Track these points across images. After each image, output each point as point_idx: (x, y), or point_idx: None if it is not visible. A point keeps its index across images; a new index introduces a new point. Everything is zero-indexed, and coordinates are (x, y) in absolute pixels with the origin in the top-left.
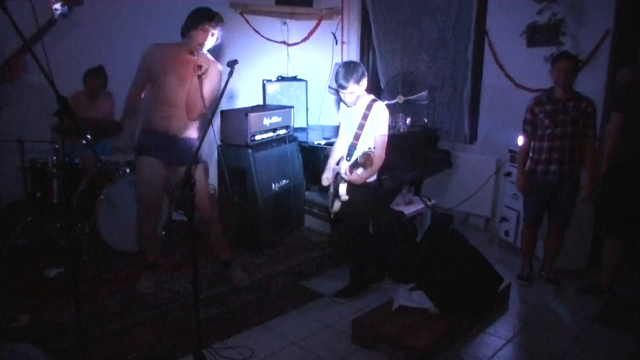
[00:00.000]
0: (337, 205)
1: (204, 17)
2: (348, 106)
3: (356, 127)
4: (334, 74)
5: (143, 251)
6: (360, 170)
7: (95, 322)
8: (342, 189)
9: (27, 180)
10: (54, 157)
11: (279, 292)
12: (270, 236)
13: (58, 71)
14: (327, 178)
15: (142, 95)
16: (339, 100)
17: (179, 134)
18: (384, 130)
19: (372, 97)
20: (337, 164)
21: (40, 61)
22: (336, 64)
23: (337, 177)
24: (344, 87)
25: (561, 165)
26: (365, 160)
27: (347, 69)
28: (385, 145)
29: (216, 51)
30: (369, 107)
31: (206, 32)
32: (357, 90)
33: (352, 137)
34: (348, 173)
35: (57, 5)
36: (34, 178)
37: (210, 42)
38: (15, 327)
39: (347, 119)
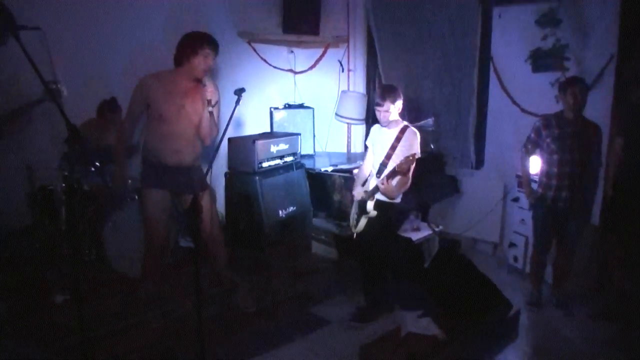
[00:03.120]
0: (362, 223)
1: (204, 42)
2: (382, 126)
3: (388, 148)
4: (374, 94)
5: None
6: (395, 180)
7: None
8: (370, 205)
9: (36, 206)
10: (63, 184)
11: (285, 318)
12: (276, 262)
13: (68, 100)
14: (358, 193)
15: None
16: (359, 123)
17: (188, 164)
18: (417, 151)
19: (405, 122)
20: (363, 185)
21: (52, 91)
22: (343, 91)
23: (365, 195)
24: (380, 105)
25: (572, 192)
26: (404, 167)
27: (385, 89)
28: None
29: (224, 79)
30: (403, 131)
31: (208, 57)
32: (392, 110)
33: (384, 157)
34: (385, 183)
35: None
36: (43, 204)
37: (209, 69)
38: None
39: (379, 140)
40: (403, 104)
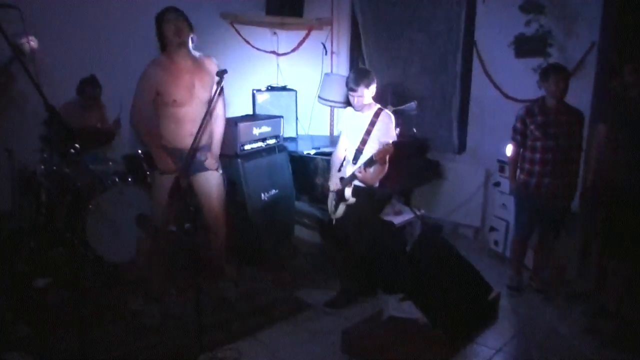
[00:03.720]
0: (341, 209)
1: (164, 11)
2: (356, 110)
3: (363, 133)
4: (346, 78)
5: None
6: (373, 168)
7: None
8: (348, 192)
9: (16, 190)
10: (42, 167)
11: (268, 302)
12: (259, 246)
13: (47, 81)
14: (335, 183)
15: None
16: (335, 107)
17: (204, 142)
18: (393, 137)
19: (379, 105)
20: (339, 170)
21: (29, 70)
22: (326, 74)
23: (342, 181)
24: (354, 90)
25: (554, 178)
26: (381, 155)
27: (358, 73)
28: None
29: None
30: (377, 115)
31: (171, 22)
32: (367, 95)
33: (359, 142)
34: (363, 171)
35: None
36: (22, 188)
37: (183, 33)
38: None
39: (353, 125)
40: (387, 87)
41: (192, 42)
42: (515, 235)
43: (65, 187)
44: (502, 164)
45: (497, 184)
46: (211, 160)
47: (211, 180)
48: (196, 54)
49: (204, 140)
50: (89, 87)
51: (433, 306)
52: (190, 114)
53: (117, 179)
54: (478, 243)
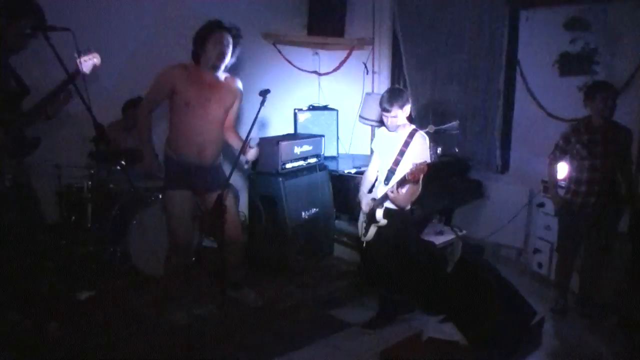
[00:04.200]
0: (372, 231)
1: (213, 27)
2: (390, 130)
3: (396, 153)
4: (380, 98)
5: (166, 281)
6: (405, 189)
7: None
8: (379, 213)
9: (63, 204)
10: (89, 182)
11: (306, 320)
12: (298, 264)
13: (95, 101)
14: (366, 204)
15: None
16: (375, 127)
17: (211, 161)
18: (427, 158)
19: (413, 126)
20: (370, 191)
21: (81, 90)
22: (367, 93)
23: (373, 203)
24: (387, 110)
25: (602, 198)
26: (415, 175)
27: (392, 94)
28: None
29: (249, 81)
30: (411, 135)
31: (220, 43)
32: (400, 115)
33: (392, 163)
34: (395, 191)
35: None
36: (70, 202)
37: (227, 54)
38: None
39: (386, 145)
40: (428, 106)
41: (225, 66)
42: (560, 257)
43: (110, 202)
44: (546, 184)
45: (541, 205)
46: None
47: (229, 195)
48: (224, 75)
49: (216, 157)
50: (132, 109)
51: (474, 328)
52: (201, 121)
53: (159, 195)
54: (520, 265)
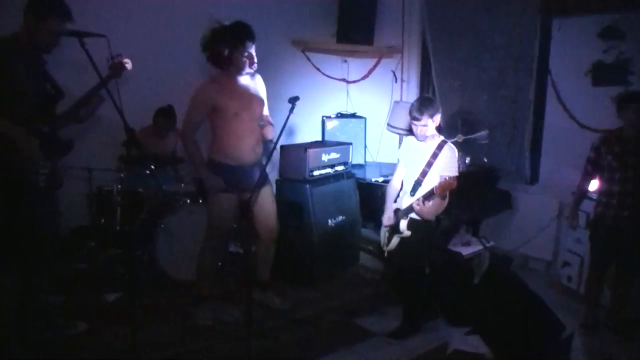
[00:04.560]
0: (394, 242)
1: (245, 37)
2: (418, 140)
3: (424, 164)
4: (410, 107)
5: (198, 283)
6: (432, 202)
7: (149, 348)
8: (403, 224)
9: (93, 206)
10: (119, 186)
11: (330, 329)
12: (324, 272)
13: (127, 106)
14: (389, 217)
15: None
16: (403, 135)
17: (258, 160)
18: (455, 172)
19: (442, 137)
20: (395, 201)
21: (112, 95)
22: (395, 101)
23: (397, 213)
24: (417, 119)
25: (634, 211)
26: (443, 190)
27: (423, 102)
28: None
29: (277, 87)
30: (440, 147)
31: (250, 56)
32: (430, 125)
33: (419, 174)
34: (421, 204)
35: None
36: (100, 205)
37: (254, 65)
38: (74, 333)
39: (413, 155)
40: (457, 115)
41: None
42: (590, 270)
43: (139, 206)
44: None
45: None
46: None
47: (267, 195)
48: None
49: (259, 155)
50: (162, 118)
51: (501, 342)
52: (250, 127)
53: (187, 200)
54: (549, 278)
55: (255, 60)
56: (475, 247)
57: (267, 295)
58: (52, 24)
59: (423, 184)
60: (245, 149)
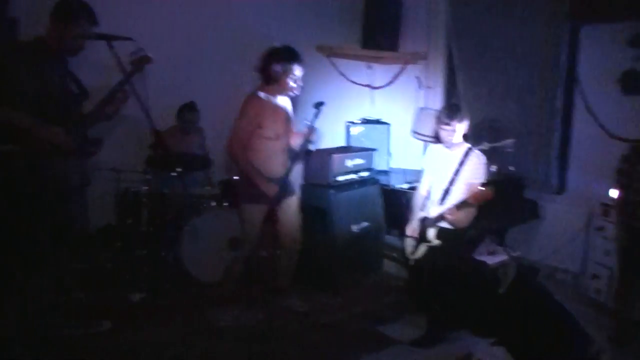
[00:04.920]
0: (421, 250)
1: (294, 61)
2: (446, 146)
3: (452, 173)
4: (438, 112)
5: (223, 284)
6: (465, 210)
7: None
8: (432, 233)
9: (120, 207)
10: (146, 187)
11: (353, 335)
12: (347, 277)
13: (153, 106)
14: (414, 229)
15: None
16: (429, 141)
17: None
18: (482, 178)
19: (469, 145)
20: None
21: (140, 96)
22: (420, 108)
23: (425, 222)
24: (447, 124)
25: None
26: (478, 200)
27: (451, 108)
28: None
29: (303, 93)
30: (467, 154)
31: (295, 74)
32: (458, 130)
33: (447, 182)
34: (454, 213)
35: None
36: (126, 206)
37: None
38: (98, 332)
39: (440, 163)
40: (483, 123)
41: None
42: (619, 283)
43: (165, 207)
44: (605, 207)
45: (601, 229)
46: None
47: (292, 205)
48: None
49: (286, 167)
50: (188, 112)
51: (527, 354)
52: (284, 145)
53: (213, 203)
54: (577, 290)
55: (299, 85)
56: (500, 257)
57: (287, 298)
58: (80, 28)
59: (451, 192)
60: (277, 166)
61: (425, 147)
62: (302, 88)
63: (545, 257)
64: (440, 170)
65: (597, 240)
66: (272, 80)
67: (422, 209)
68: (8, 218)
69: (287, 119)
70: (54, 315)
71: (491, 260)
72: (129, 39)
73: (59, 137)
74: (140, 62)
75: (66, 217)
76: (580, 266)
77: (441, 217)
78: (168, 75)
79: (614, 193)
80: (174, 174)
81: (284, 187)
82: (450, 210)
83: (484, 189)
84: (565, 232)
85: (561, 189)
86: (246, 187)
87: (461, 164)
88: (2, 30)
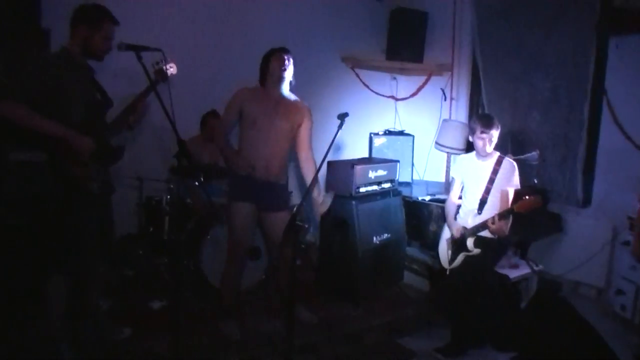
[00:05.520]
0: (459, 259)
1: (274, 50)
2: (480, 155)
3: (486, 182)
4: (473, 122)
5: (221, 296)
6: (507, 220)
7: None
8: (470, 242)
9: (142, 215)
10: (168, 196)
11: (372, 346)
12: (367, 289)
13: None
14: (457, 229)
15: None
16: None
17: (277, 176)
18: (517, 185)
19: (499, 153)
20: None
21: (164, 106)
22: (444, 120)
23: (464, 232)
24: (486, 132)
25: None
26: (525, 209)
27: (487, 116)
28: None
29: (326, 103)
30: (499, 162)
31: (281, 59)
32: (495, 137)
33: (482, 192)
34: (497, 222)
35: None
36: (149, 214)
37: (287, 70)
38: (119, 339)
39: (472, 173)
40: (507, 135)
41: (290, 85)
42: None
43: (187, 216)
44: (632, 221)
45: (627, 243)
46: (318, 194)
47: (282, 219)
48: (292, 96)
49: (281, 173)
50: (211, 119)
51: None
52: (265, 138)
53: None
54: (602, 306)
55: (287, 64)
56: (523, 270)
57: (296, 309)
58: (106, 30)
59: (488, 201)
60: (256, 157)
61: (448, 159)
62: (327, 99)
63: (569, 271)
64: (474, 179)
65: (623, 255)
66: (263, 78)
67: (455, 218)
68: (33, 224)
69: (275, 107)
70: (78, 319)
71: (513, 273)
72: (159, 50)
73: (89, 147)
74: (164, 72)
75: (88, 225)
76: (605, 281)
77: (482, 227)
78: (192, 85)
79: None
80: (197, 183)
81: (260, 192)
82: (492, 219)
83: (532, 197)
84: (590, 245)
85: (587, 202)
86: (231, 185)
87: (494, 172)
88: (34, 41)
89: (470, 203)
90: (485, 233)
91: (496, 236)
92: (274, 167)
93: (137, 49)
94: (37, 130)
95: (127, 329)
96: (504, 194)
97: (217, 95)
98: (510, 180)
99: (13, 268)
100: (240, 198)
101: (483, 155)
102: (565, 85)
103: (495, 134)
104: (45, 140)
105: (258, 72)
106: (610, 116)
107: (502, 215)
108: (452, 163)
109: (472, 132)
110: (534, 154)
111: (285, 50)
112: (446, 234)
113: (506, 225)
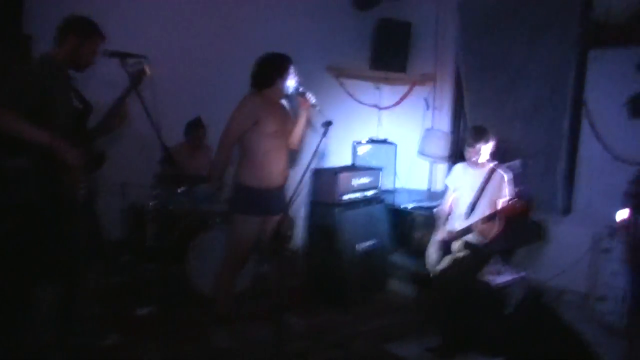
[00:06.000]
0: (445, 262)
1: (287, 63)
2: (469, 166)
3: (477, 189)
4: (465, 135)
5: (216, 303)
6: (492, 223)
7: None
8: (457, 245)
9: (127, 221)
10: (152, 202)
11: (360, 353)
12: (353, 295)
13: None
14: (445, 233)
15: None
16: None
17: (282, 184)
18: (505, 195)
19: (494, 164)
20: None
21: (149, 113)
22: (427, 129)
23: (451, 235)
24: (471, 146)
25: None
26: (507, 213)
27: (477, 130)
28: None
29: (311, 112)
30: (492, 171)
31: (294, 74)
32: (483, 152)
33: (471, 199)
34: (479, 225)
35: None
36: (133, 220)
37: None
38: (106, 345)
39: (465, 181)
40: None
41: None
42: (631, 306)
43: (172, 223)
44: (611, 228)
45: (607, 250)
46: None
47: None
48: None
49: (286, 181)
50: (194, 128)
51: None
52: (283, 147)
53: (219, 220)
54: (585, 311)
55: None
56: (506, 277)
57: (285, 316)
58: (95, 44)
59: (477, 208)
60: (276, 171)
61: (431, 167)
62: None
63: (553, 278)
64: (465, 187)
65: (605, 262)
66: (266, 83)
67: (445, 224)
68: (19, 232)
69: (285, 116)
70: (67, 326)
71: (497, 280)
72: (143, 56)
73: (74, 154)
74: (139, 75)
75: (74, 231)
76: (587, 287)
77: (468, 230)
78: (176, 92)
79: (622, 214)
80: (179, 191)
81: (276, 201)
82: (476, 223)
83: (516, 201)
84: (572, 253)
85: (567, 210)
86: (239, 197)
87: (486, 182)
88: (17, 47)
89: (459, 208)
90: (471, 238)
91: (481, 238)
92: (287, 173)
93: (122, 56)
94: (24, 137)
95: (113, 334)
96: (493, 203)
97: (203, 102)
98: (501, 190)
99: (0, 275)
100: (253, 212)
101: (473, 165)
102: (546, 96)
103: (484, 147)
104: (31, 147)
105: (244, 80)
106: (590, 127)
107: (488, 218)
108: (433, 171)
109: (463, 142)
110: (516, 162)
111: (292, 66)
112: (436, 237)
113: (491, 228)
